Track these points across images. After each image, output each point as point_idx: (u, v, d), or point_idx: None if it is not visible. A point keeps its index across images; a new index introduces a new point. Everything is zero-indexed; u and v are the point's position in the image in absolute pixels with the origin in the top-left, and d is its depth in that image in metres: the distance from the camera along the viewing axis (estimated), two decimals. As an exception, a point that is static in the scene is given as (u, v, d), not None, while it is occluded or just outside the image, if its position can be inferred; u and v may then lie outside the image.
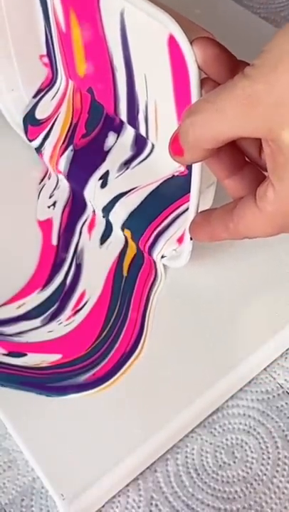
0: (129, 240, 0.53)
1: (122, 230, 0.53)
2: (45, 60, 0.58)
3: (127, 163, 0.54)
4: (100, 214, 0.55)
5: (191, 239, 0.47)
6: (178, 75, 0.43)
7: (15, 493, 0.46)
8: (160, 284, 0.51)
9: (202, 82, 0.37)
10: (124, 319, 0.50)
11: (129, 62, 0.47)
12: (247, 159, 0.38)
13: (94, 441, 0.45)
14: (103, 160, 0.55)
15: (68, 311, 0.51)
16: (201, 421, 0.47)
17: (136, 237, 0.52)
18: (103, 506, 0.45)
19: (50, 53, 0.57)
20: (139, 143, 0.54)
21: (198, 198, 0.44)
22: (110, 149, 0.55)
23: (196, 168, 0.42)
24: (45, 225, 0.55)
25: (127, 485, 0.45)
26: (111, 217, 0.54)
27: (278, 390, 0.48)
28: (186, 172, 0.51)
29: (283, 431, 0.46)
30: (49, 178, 0.58)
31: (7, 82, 0.58)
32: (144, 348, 0.48)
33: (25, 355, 0.49)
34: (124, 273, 0.52)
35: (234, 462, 0.46)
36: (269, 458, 0.46)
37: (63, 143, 0.57)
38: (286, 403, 0.47)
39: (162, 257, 0.51)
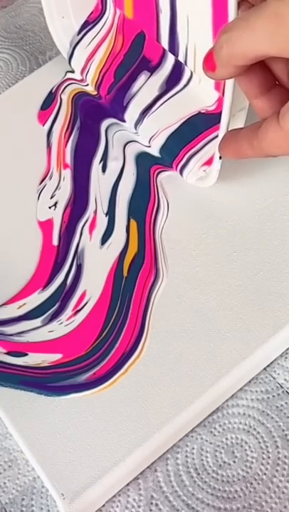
0: (131, 237, 0.54)
1: (160, 152, 0.57)
2: None
3: (162, 96, 0.58)
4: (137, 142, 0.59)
5: (220, 158, 0.50)
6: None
7: (15, 492, 0.46)
8: (160, 284, 0.51)
9: (239, 4, 0.40)
10: (125, 319, 0.50)
11: None
12: (277, 82, 0.40)
13: (94, 441, 0.45)
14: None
15: (69, 311, 0.51)
16: (201, 421, 0.47)
17: (170, 159, 0.56)
18: (103, 506, 0.45)
19: None
20: (176, 74, 0.58)
21: (229, 118, 0.47)
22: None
23: (228, 89, 0.45)
24: (46, 226, 0.55)
25: (127, 484, 0.45)
26: (149, 141, 0.57)
27: (278, 389, 0.48)
28: (219, 110, 0.54)
29: (283, 430, 0.46)
30: (50, 179, 0.58)
31: (58, 10, 0.63)
32: (144, 348, 0.49)
33: (25, 354, 0.49)
34: (125, 273, 0.52)
35: (234, 462, 0.46)
36: (269, 457, 0.46)
37: (104, 66, 0.61)
38: (286, 403, 0.47)
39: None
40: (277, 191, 0.54)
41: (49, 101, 0.63)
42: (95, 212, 0.56)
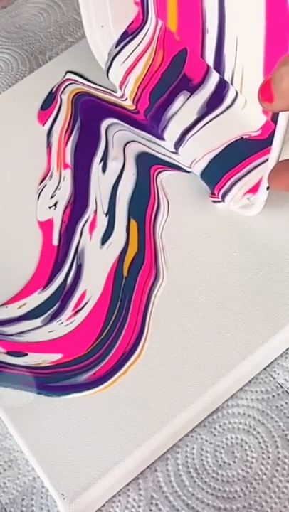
0: (131, 236, 0.54)
1: (201, 176, 0.55)
2: None
3: (204, 116, 0.57)
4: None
5: (267, 188, 0.48)
6: (273, 22, 0.45)
7: (15, 492, 0.46)
8: (160, 284, 0.51)
9: None
10: (125, 319, 0.50)
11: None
12: None
13: (94, 441, 0.45)
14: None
15: (69, 311, 0.51)
16: (201, 420, 0.47)
17: (212, 183, 0.54)
18: (103, 506, 0.45)
19: None
20: (220, 93, 0.56)
21: (281, 147, 0.45)
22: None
23: (282, 117, 0.43)
24: (46, 226, 0.55)
25: (127, 484, 0.45)
26: (191, 164, 0.55)
27: (278, 389, 0.48)
28: (264, 136, 0.53)
29: (283, 430, 0.46)
30: (50, 178, 0.58)
31: (98, 18, 0.61)
32: (144, 348, 0.49)
33: (25, 354, 0.49)
34: (125, 273, 0.52)
35: (234, 462, 0.46)
36: (269, 457, 0.46)
37: (142, 81, 0.59)
38: (286, 403, 0.47)
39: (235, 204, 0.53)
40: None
41: (49, 101, 0.63)
42: (95, 212, 0.56)
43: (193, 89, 0.57)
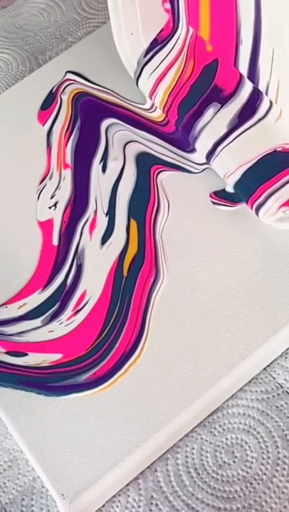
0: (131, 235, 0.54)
1: (235, 188, 0.54)
2: (167, 5, 0.58)
3: (237, 127, 0.55)
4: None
5: None
6: None
7: (15, 492, 0.46)
8: (160, 284, 0.51)
9: None
10: (125, 319, 0.50)
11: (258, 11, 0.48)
12: None
13: (94, 441, 0.45)
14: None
15: (69, 311, 0.51)
16: (201, 420, 0.47)
17: (246, 196, 0.53)
18: (103, 506, 0.45)
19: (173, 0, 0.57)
20: (253, 103, 0.55)
21: None
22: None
23: None
24: (46, 226, 0.55)
25: (127, 484, 0.46)
26: (224, 176, 0.54)
27: (278, 389, 0.48)
28: None
29: (283, 430, 0.46)
30: (50, 179, 0.58)
31: (127, 26, 0.59)
32: (144, 348, 0.49)
33: (25, 354, 0.49)
34: (125, 273, 0.52)
35: (234, 462, 0.46)
36: (269, 457, 0.46)
37: (172, 90, 0.58)
38: (286, 403, 0.47)
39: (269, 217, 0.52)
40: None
41: (49, 101, 0.63)
42: (95, 212, 0.56)
43: (224, 100, 0.56)
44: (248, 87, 0.55)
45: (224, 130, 0.55)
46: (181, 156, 0.58)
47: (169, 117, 0.59)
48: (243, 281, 0.51)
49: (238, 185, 0.53)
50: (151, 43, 0.60)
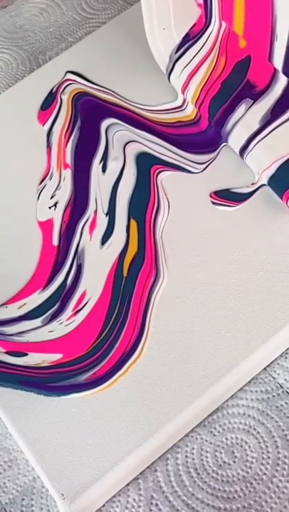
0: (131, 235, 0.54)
1: (269, 183, 0.54)
2: (200, 0, 0.58)
3: (271, 122, 0.55)
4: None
5: None
6: None
7: (15, 492, 0.46)
8: (160, 284, 0.51)
9: None
10: (125, 319, 0.50)
11: None
12: None
13: (94, 441, 0.45)
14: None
15: (69, 311, 0.51)
16: (201, 421, 0.47)
17: (280, 190, 0.53)
18: (103, 506, 0.45)
19: None
20: (287, 98, 0.55)
21: None
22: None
23: None
24: (46, 226, 0.55)
25: (127, 484, 0.46)
26: (259, 172, 0.55)
27: (278, 389, 0.48)
28: None
29: (283, 430, 0.46)
30: (50, 179, 0.58)
31: (160, 21, 0.59)
32: (144, 348, 0.49)
33: (26, 354, 0.49)
34: (125, 273, 0.52)
35: (234, 462, 0.46)
36: (269, 457, 0.46)
37: (205, 85, 0.58)
38: (286, 403, 0.47)
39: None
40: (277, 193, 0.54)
41: (49, 101, 0.63)
42: (96, 212, 0.56)
43: (257, 96, 0.56)
44: (282, 82, 0.55)
45: (257, 125, 0.55)
46: (181, 156, 0.58)
47: (201, 112, 0.59)
48: (243, 281, 0.51)
49: (272, 179, 0.54)
50: (183, 38, 0.60)
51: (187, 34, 0.60)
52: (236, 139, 0.56)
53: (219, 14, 0.57)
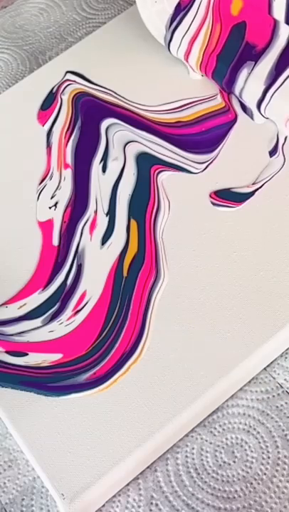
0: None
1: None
2: None
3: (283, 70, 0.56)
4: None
5: None
6: None
7: (15, 492, 0.46)
8: (161, 285, 0.51)
9: None
10: (125, 319, 0.50)
11: None
12: None
13: (94, 441, 0.45)
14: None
15: (69, 311, 0.51)
16: (201, 420, 0.47)
17: None
18: (103, 506, 0.45)
19: None
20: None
21: None
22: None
23: None
24: (46, 226, 0.55)
25: (127, 484, 0.46)
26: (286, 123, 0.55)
27: (278, 389, 0.48)
28: None
29: (283, 430, 0.46)
30: (50, 179, 0.58)
31: None
32: (144, 348, 0.49)
33: (26, 354, 0.49)
34: (125, 273, 0.52)
35: (234, 462, 0.46)
36: (269, 457, 0.46)
37: (206, 48, 0.60)
38: (286, 403, 0.47)
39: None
40: (277, 191, 0.54)
41: (49, 101, 0.63)
42: (96, 212, 0.56)
43: (262, 50, 0.57)
44: (284, 31, 0.56)
45: (270, 76, 0.56)
46: (181, 156, 0.58)
47: (207, 71, 0.60)
48: (243, 281, 0.51)
49: None
50: (176, 9, 0.61)
51: (178, 4, 0.61)
52: (251, 93, 0.57)
53: None
